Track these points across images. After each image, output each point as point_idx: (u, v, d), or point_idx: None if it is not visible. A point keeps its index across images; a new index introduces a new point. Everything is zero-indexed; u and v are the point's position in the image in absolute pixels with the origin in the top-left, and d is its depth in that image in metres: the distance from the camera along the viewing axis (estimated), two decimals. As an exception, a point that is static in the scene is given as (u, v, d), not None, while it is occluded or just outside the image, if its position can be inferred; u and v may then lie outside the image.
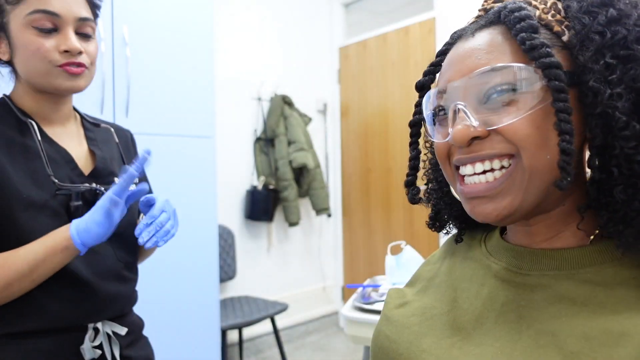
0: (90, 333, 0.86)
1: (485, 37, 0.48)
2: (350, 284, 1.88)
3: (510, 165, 0.46)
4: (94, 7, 0.89)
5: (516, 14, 0.46)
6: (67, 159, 0.87)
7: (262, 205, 2.90)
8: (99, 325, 0.88)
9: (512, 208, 0.46)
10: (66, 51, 0.82)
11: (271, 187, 2.94)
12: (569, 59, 0.45)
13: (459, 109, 0.47)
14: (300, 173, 3.07)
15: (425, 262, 0.68)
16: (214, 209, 2.16)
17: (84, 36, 0.86)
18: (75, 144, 0.92)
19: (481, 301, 0.51)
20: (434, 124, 0.53)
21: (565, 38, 0.46)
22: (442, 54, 0.55)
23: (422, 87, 0.56)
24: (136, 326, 1.00)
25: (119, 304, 0.93)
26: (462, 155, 0.48)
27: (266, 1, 3.14)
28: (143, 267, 1.90)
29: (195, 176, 2.09)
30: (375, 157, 3.34)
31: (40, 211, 0.80)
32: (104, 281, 0.89)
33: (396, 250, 1.68)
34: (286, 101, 3.10)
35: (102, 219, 0.78)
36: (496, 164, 0.46)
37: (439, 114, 0.51)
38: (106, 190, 0.89)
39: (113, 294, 0.90)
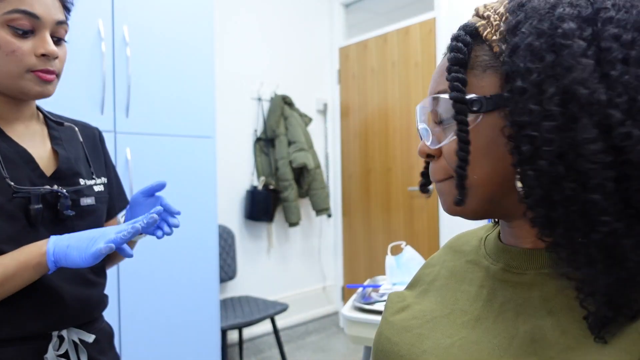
0: (54, 341, 0.82)
1: (443, 61, 0.52)
2: (350, 284, 1.88)
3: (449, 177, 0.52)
4: (67, 11, 0.86)
5: (453, 43, 0.48)
6: (27, 160, 0.83)
7: (262, 206, 2.90)
8: (64, 332, 0.84)
9: (455, 209, 0.52)
10: (43, 55, 0.79)
11: (271, 187, 2.93)
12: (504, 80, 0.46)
13: (417, 128, 0.54)
14: (300, 173, 3.07)
15: (425, 265, 0.68)
16: (214, 209, 2.16)
17: (57, 40, 0.83)
18: (37, 144, 0.87)
19: (481, 302, 0.52)
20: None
21: (501, 59, 0.46)
22: None
23: None
24: (105, 334, 0.95)
25: (86, 309, 0.89)
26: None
27: (266, 1, 3.14)
28: (143, 267, 1.90)
29: (195, 176, 2.09)
30: (375, 157, 3.34)
31: None
32: (69, 286, 0.85)
33: (396, 251, 1.68)
34: (286, 101, 3.10)
35: (88, 257, 0.74)
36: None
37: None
38: (68, 192, 0.85)
39: (79, 299, 0.86)
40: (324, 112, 3.55)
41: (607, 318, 0.40)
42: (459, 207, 0.49)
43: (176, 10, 2.05)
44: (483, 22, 0.48)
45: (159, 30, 1.99)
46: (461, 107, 0.46)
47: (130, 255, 0.81)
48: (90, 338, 0.88)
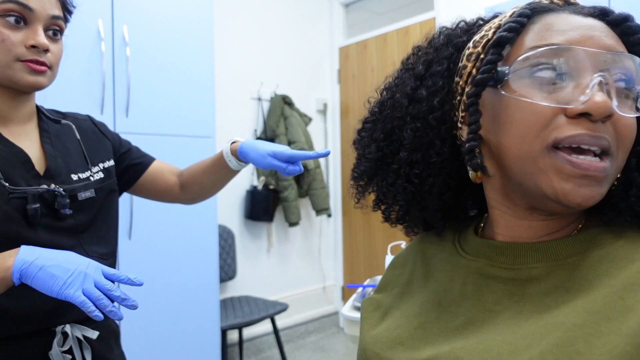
0: (58, 337, 0.82)
1: (596, 23, 0.45)
2: (350, 284, 1.88)
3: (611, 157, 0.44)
4: (66, 10, 0.86)
5: (617, 14, 0.45)
6: (23, 160, 0.82)
7: (262, 206, 2.90)
8: (68, 329, 0.83)
9: (601, 197, 0.44)
10: (33, 46, 0.79)
11: (271, 187, 2.94)
12: None
13: (610, 80, 0.42)
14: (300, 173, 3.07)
15: (390, 266, 0.65)
16: (214, 209, 2.16)
17: (52, 35, 0.83)
18: (32, 143, 0.87)
19: (469, 301, 0.50)
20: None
21: None
22: (526, 16, 0.48)
23: (500, 44, 0.48)
24: (110, 331, 0.94)
25: None
26: (586, 131, 0.42)
27: (266, 1, 3.14)
28: (143, 267, 1.90)
29: (195, 176, 2.09)
30: (375, 157, 3.33)
31: None
32: None
33: (396, 250, 1.67)
34: (286, 101, 3.10)
35: (55, 295, 0.69)
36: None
37: (555, 75, 0.44)
38: (65, 190, 0.84)
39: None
40: (323, 112, 3.55)
41: None
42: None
43: (176, 10, 2.05)
44: None
45: (159, 30, 1.99)
46: None
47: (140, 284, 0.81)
48: (94, 334, 0.87)
